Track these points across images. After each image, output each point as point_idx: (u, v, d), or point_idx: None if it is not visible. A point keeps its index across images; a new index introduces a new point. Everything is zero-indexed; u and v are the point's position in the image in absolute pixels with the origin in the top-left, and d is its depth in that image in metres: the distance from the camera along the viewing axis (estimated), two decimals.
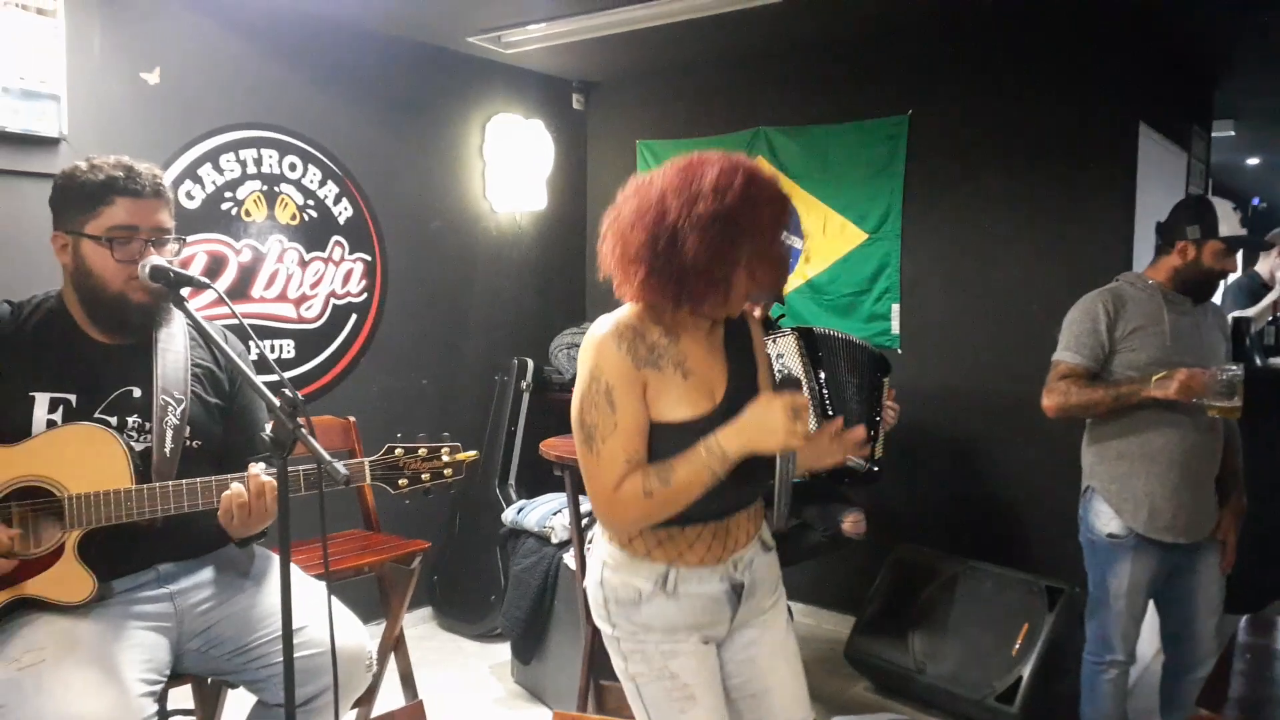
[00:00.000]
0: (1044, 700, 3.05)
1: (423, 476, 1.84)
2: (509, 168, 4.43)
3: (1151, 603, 2.77)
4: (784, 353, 3.19)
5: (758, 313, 3.34)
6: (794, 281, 4.30)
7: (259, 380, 1.63)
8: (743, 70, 4.40)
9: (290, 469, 1.69)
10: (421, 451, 1.84)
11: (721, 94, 4.50)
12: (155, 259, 1.76)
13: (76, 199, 1.78)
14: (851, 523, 3.22)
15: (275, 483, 1.71)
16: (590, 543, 1.83)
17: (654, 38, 3.93)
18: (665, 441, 1.65)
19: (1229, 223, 2.64)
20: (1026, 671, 3.06)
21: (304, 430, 1.50)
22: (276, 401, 1.52)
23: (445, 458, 1.86)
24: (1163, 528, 2.60)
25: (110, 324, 1.83)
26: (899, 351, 4.02)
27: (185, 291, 1.75)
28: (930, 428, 3.92)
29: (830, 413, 3.15)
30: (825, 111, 4.16)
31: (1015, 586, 3.29)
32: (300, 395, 1.53)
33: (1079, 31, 3.54)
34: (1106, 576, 2.70)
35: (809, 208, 4.24)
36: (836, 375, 3.25)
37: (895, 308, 4.04)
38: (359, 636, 1.89)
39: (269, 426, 1.50)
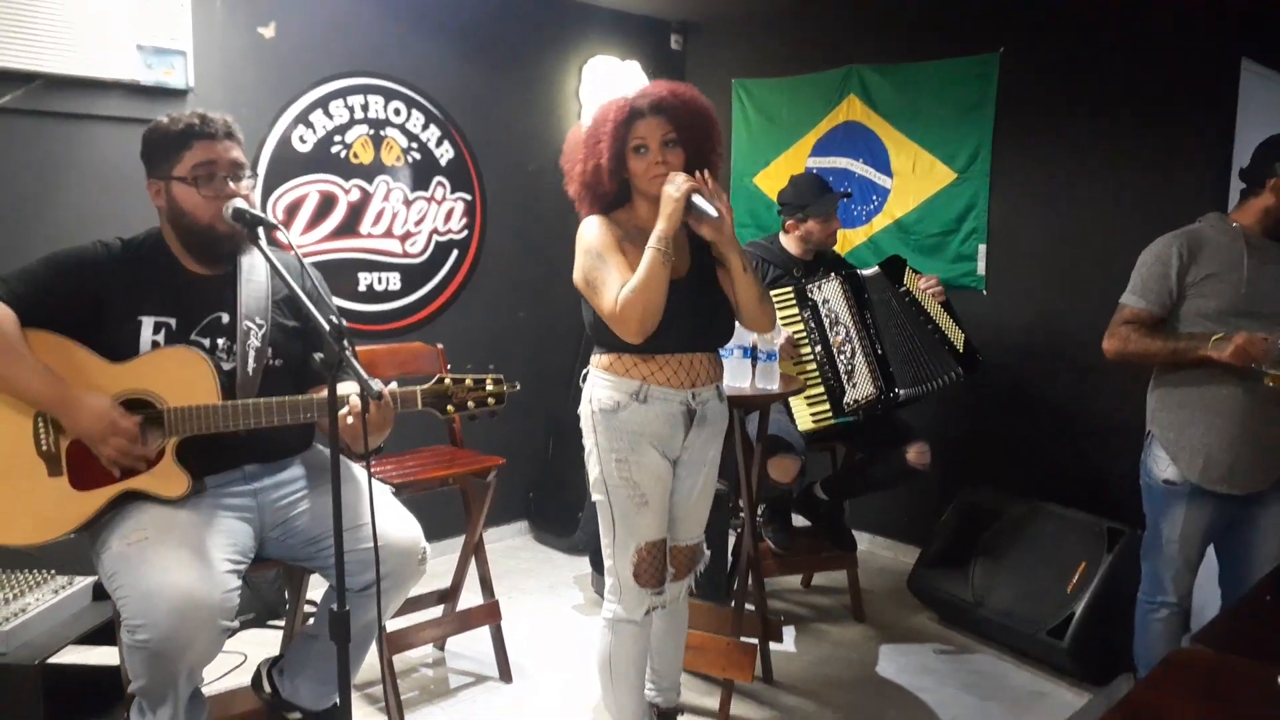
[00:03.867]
0: (1095, 637, 3.10)
1: (469, 404, 2.05)
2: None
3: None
4: (829, 298, 3.28)
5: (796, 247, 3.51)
6: (881, 221, 4.33)
7: (317, 311, 1.89)
8: (837, 8, 4.40)
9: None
10: (468, 382, 2.05)
11: (816, 32, 4.52)
12: (236, 202, 2.03)
13: (162, 148, 2.06)
14: (916, 453, 3.31)
15: (389, 400, 1.97)
16: (584, 379, 2.38)
17: None
18: None
19: None
20: (1079, 609, 3.11)
21: (348, 353, 1.75)
22: (326, 327, 1.78)
23: (489, 388, 2.06)
24: (1217, 479, 2.58)
25: (203, 254, 2.11)
26: (984, 293, 4.02)
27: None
28: (1011, 370, 3.93)
29: (880, 350, 3.23)
30: (916, 49, 4.13)
31: (1077, 527, 3.32)
32: (344, 323, 1.78)
33: None
34: (1160, 521, 2.71)
35: (899, 146, 4.24)
36: (888, 315, 3.32)
37: (981, 249, 4.03)
38: (413, 533, 2.15)
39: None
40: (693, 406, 2.29)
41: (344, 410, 1.94)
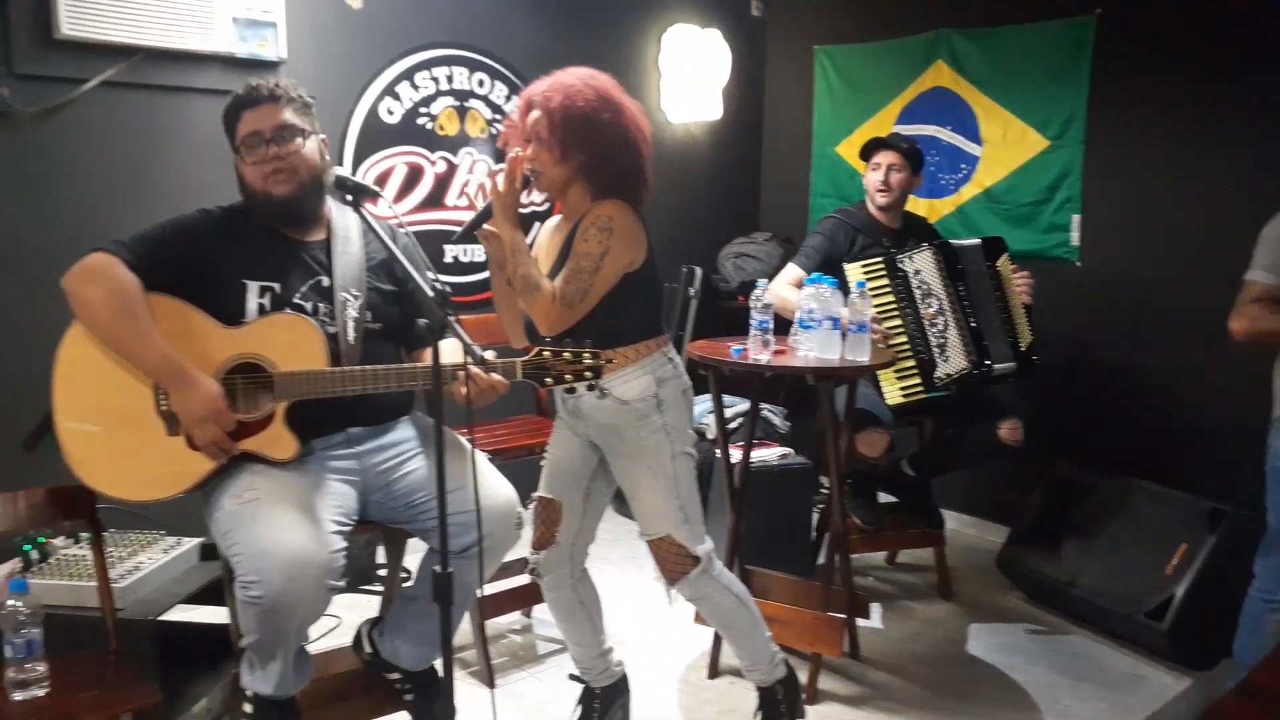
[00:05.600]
0: (1197, 621, 3.00)
1: (566, 376, 2.05)
2: (684, 78, 4.55)
3: None
4: (921, 268, 3.21)
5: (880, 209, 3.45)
6: (970, 190, 4.23)
7: (418, 275, 1.92)
8: None
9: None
10: (566, 355, 2.04)
11: None
12: (338, 169, 2.07)
13: (227, 123, 2.13)
14: (1008, 430, 3.23)
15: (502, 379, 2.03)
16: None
17: None
18: None
19: None
20: (1180, 591, 3.01)
21: (452, 319, 1.77)
22: (431, 293, 1.79)
23: (586, 361, 2.06)
24: None
25: (275, 221, 2.14)
26: (1078, 264, 3.90)
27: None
28: (1104, 343, 3.82)
29: (974, 323, 3.16)
30: (1008, 12, 4.01)
31: (1176, 506, 3.21)
32: (448, 288, 1.79)
33: None
34: None
35: (989, 113, 4.13)
36: (980, 285, 3.25)
37: (1075, 219, 3.91)
38: (510, 496, 2.17)
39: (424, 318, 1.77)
40: (564, 397, 2.36)
41: (458, 384, 1.98)
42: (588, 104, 2.18)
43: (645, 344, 2.28)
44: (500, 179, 2.15)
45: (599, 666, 2.58)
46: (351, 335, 2.12)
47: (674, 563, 2.35)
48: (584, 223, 2.21)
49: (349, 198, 2.06)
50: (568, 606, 2.52)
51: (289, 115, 2.11)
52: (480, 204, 2.21)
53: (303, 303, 2.11)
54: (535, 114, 2.21)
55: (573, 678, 2.61)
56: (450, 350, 2.02)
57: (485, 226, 2.22)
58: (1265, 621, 2.60)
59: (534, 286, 2.15)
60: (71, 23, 2.95)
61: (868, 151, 3.48)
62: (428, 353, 1.88)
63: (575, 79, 2.22)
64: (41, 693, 1.89)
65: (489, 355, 2.02)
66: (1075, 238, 3.91)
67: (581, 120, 2.18)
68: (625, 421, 2.27)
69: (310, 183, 2.14)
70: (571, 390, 2.07)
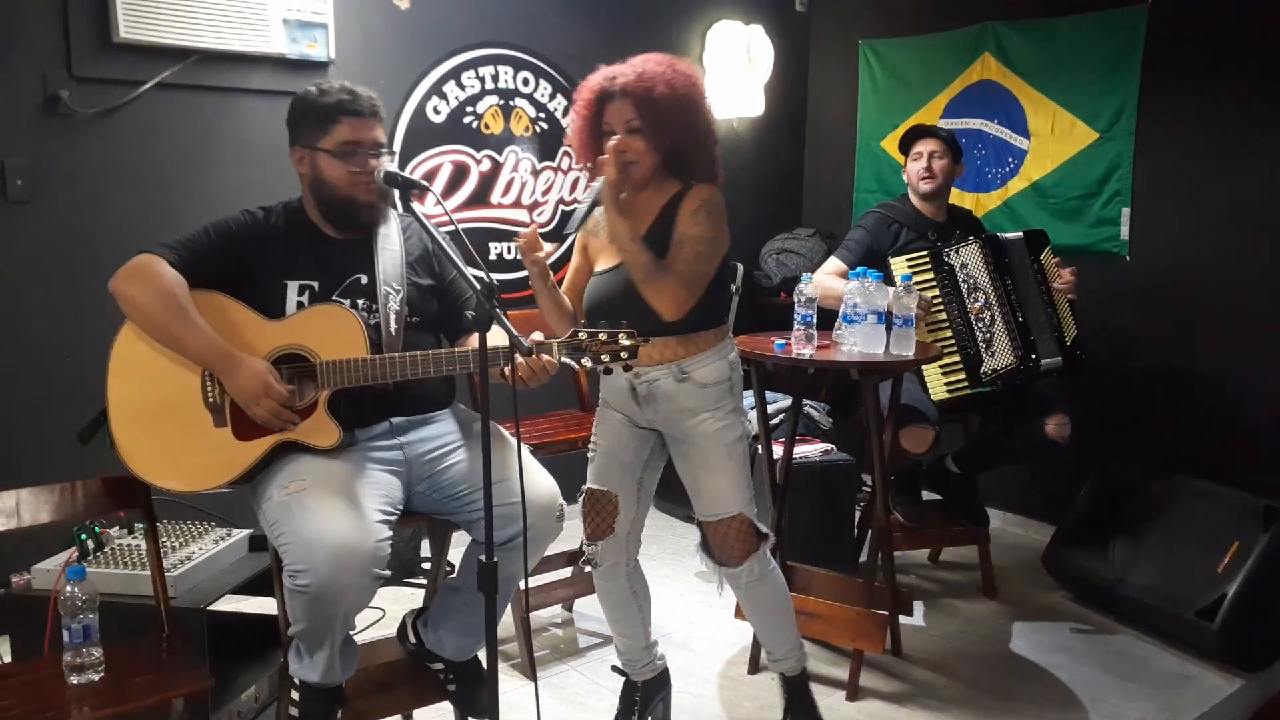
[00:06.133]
0: (1249, 621, 2.94)
1: (602, 358, 2.07)
2: (728, 74, 4.54)
3: None
4: (968, 262, 3.18)
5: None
6: (1017, 184, 4.17)
7: (467, 269, 1.94)
8: None
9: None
10: (602, 336, 2.06)
11: None
12: (388, 165, 2.11)
13: (311, 119, 2.14)
14: (1055, 426, 3.19)
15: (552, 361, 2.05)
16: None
17: None
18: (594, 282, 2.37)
19: None
20: (1231, 589, 2.95)
21: (498, 310, 1.79)
22: (477, 285, 1.82)
23: (623, 341, 2.08)
24: None
25: (340, 221, 2.19)
26: (1127, 258, 3.83)
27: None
28: (1154, 338, 3.75)
29: (1021, 318, 3.13)
30: (1057, 3, 3.95)
31: (1229, 504, 3.14)
32: (495, 280, 1.82)
33: None
34: None
35: (1037, 106, 4.07)
36: (1025, 280, 3.21)
37: (1125, 212, 3.84)
38: (552, 489, 2.19)
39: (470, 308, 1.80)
40: (634, 384, 2.33)
41: (505, 366, 2.02)
42: (685, 92, 2.22)
43: (719, 329, 2.34)
44: (609, 169, 2.16)
45: (643, 659, 2.59)
46: (394, 327, 2.16)
47: (743, 541, 2.37)
48: (686, 206, 2.23)
49: (397, 192, 2.11)
50: (621, 597, 2.53)
51: (380, 133, 2.18)
52: (584, 197, 2.22)
53: (341, 300, 2.15)
54: (621, 101, 2.20)
55: (615, 670, 2.63)
56: (494, 338, 2.04)
57: (531, 253, 2.24)
58: None
59: (659, 272, 2.17)
60: (130, 26, 3.03)
61: (907, 143, 3.45)
62: (472, 338, 1.91)
63: (661, 65, 2.22)
64: (97, 677, 1.94)
65: (536, 336, 2.05)
66: (1124, 232, 3.84)
67: (681, 107, 2.21)
68: (704, 404, 2.30)
69: (381, 194, 2.20)
70: (608, 371, 2.08)
